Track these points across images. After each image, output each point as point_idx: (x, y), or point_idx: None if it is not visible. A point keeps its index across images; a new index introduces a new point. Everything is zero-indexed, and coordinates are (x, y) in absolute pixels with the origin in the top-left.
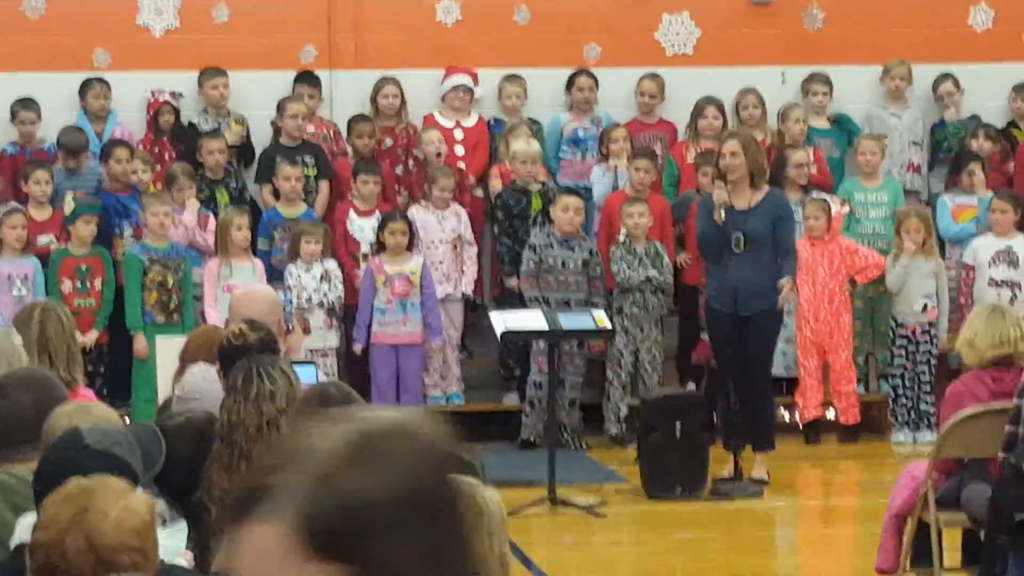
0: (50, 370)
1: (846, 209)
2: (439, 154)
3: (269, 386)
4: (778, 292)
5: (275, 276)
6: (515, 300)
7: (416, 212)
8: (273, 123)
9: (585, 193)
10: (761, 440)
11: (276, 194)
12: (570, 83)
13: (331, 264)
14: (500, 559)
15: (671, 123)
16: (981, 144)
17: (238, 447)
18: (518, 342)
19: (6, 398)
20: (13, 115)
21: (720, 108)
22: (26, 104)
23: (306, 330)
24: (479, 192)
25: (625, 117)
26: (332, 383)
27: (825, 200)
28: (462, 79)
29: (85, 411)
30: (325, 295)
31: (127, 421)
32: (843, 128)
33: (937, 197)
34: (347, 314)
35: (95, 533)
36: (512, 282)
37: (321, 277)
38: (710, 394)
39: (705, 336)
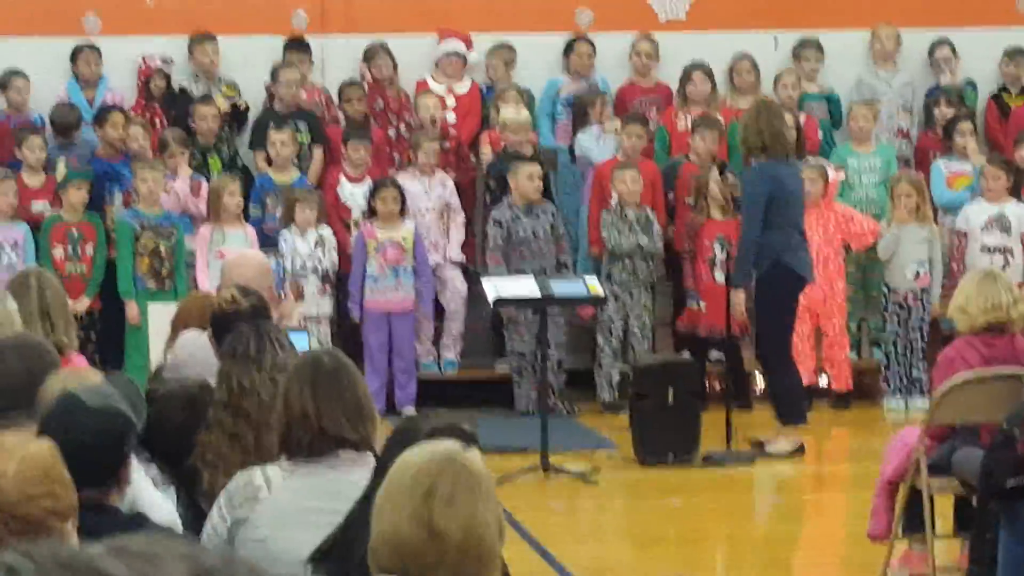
0: (44, 337)
1: (842, 175)
2: (434, 121)
3: (283, 355)
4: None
5: (267, 242)
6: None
7: (403, 180)
8: (267, 88)
9: (569, 156)
10: (779, 411)
11: (270, 161)
12: (569, 48)
13: (325, 231)
14: (499, 524)
15: (667, 85)
16: (943, 111)
17: (245, 415)
18: (510, 309)
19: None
20: (4, 85)
21: (707, 72)
22: (17, 74)
23: (299, 296)
24: (472, 158)
25: (618, 82)
26: (326, 351)
27: (822, 166)
28: (455, 45)
29: (80, 378)
30: (319, 261)
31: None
32: (832, 103)
33: (932, 163)
34: (340, 281)
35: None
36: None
37: (315, 243)
38: (699, 361)
39: (692, 304)
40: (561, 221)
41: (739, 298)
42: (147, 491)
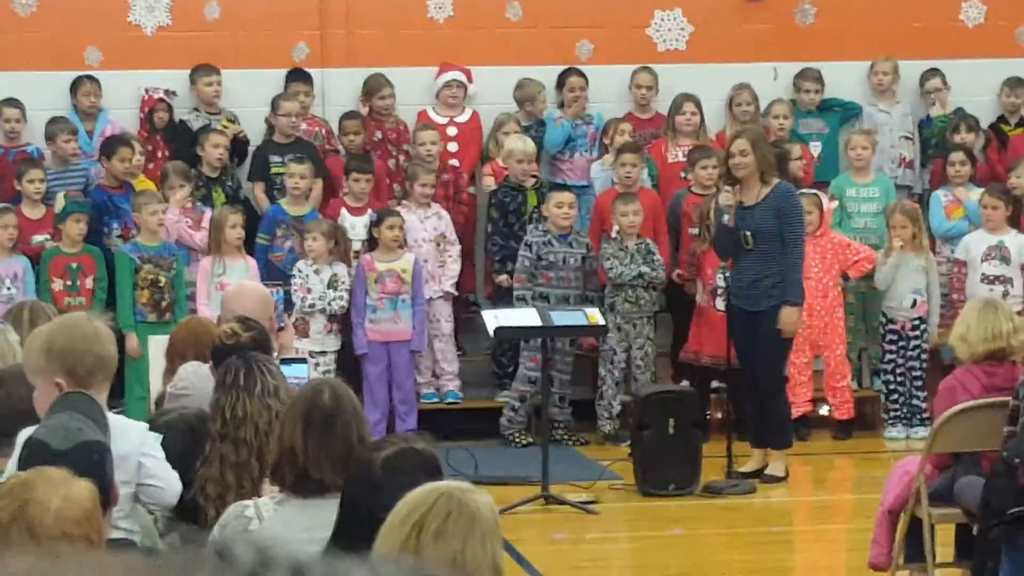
0: None
1: (835, 204)
2: (431, 154)
3: (272, 381)
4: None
5: (273, 273)
6: (508, 298)
7: (399, 213)
8: (267, 120)
9: (577, 190)
10: (776, 437)
11: (268, 192)
12: (560, 82)
13: (340, 268)
14: (493, 566)
15: (664, 116)
16: (964, 136)
17: (246, 443)
18: (511, 339)
19: (1, 389)
20: None
21: (697, 104)
22: (11, 103)
23: (304, 333)
24: (472, 189)
25: (617, 114)
26: (329, 384)
27: (816, 195)
28: (455, 75)
29: None
30: (329, 303)
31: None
32: (835, 110)
33: (930, 193)
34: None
35: (36, 525)
36: (502, 279)
37: (328, 282)
38: (701, 391)
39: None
40: (594, 255)
41: (794, 316)
42: (157, 463)
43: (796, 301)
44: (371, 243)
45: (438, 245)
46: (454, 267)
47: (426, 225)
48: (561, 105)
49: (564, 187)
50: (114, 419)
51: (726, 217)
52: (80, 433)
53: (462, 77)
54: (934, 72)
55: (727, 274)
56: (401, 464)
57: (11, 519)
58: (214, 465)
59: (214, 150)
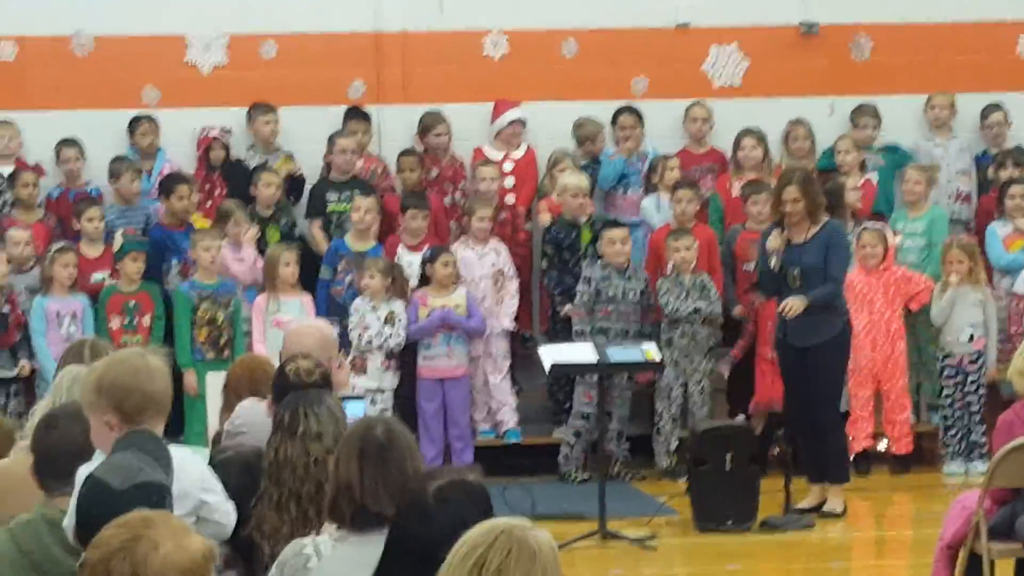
0: None
1: (899, 239)
2: (490, 191)
3: (315, 426)
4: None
5: (335, 307)
6: (565, 333)
7: (457, 249)
8: (324, 158)
9: (631, 227)
10: (834, 472)
11: (326, 229)
12: (614, 119)
13: (397, 306)
14: None
15: (720, 152)
16: (1011, 172)
17: (287, 486)
18: (567, 375)
19: (56, 429)
20: (57, 154)
21: (759, 138)
22: (69, 143)
23: (362, 370)
24: (528, 225)
25: (672, 149)
26: (380, 420)
27: (880, 229)
28: (517, 113)
29: None
30: (386, 340)
31: None
32: (893, 156)
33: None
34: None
35: (141, 562)
36: (567, 308)
37: (385, 319)
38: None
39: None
40: (651, 291)
41: (800, 304)
42: (217, 498)
43: (810, 299)
44: (424, 279)
45: (496, 281)
46: (512, 303)
47: (484, 262)
48: (616, 142)
49: (616, 223)
50: (176, 452)
51: (773, 260)
52: (140, 473)
53: (524, 115)
54: (996, 107)
55: (784, 328)
56: (451, 495)
57: (118, 549)
58: (265, 503)
59: (266, 189)
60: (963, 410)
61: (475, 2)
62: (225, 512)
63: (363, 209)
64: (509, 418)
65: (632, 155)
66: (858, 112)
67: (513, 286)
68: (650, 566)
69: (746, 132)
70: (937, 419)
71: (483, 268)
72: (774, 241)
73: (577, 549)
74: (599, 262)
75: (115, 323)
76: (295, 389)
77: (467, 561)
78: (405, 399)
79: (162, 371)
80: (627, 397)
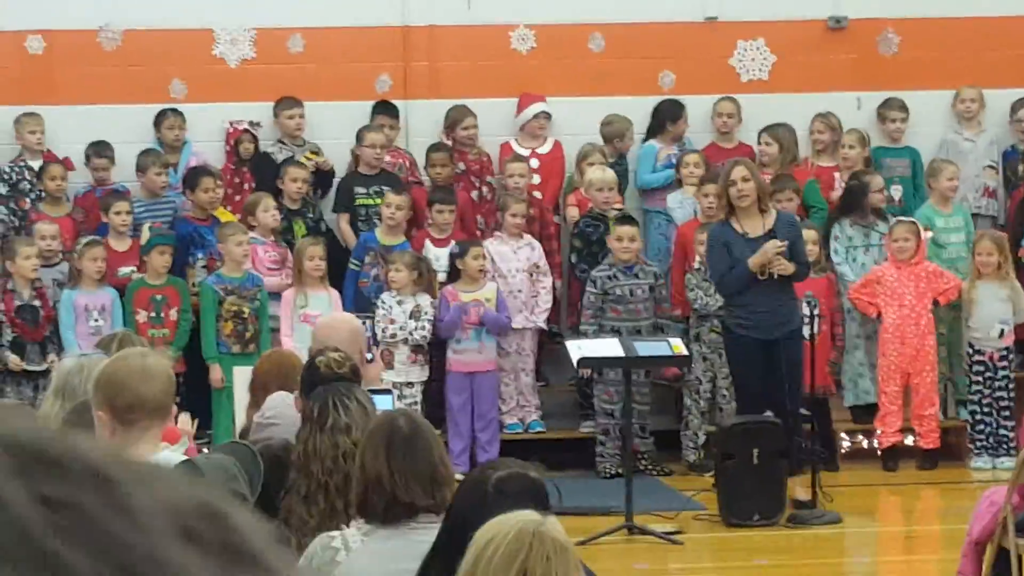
0: None
1: (930, 234)
2: (518, 186)
3: (344, 418)
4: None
5: (362, 301)
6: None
7: (491, 244)
8: (352, 152)
9: (663, 216)
10: (794, 462)
11: (353, 223)
12: (674, 115)
13: (424, 299)
14: None
15: (750, 146)
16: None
17: (315, 478)
18: (592, 370)
19: (84, 421)
20: (87, 157)
21: (775, 136)
22: (100, 149)
23: (389, 364)
24: (557, 219)
25: (700, 144)
26: (402, 412)
27: (914, 222)
28: (542, 106)
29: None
30: (411, 333)
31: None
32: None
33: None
34: (430, 344)
35: None
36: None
37: (411, 313)
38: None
39: None
40: (662, 283)
41: (791, 266)
42: None
43: (795, 269)
44: (452, 274)
45: (531, 276)
46: (547, 299)
47: (519, 256)
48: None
49: (627, 220)
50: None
51: (775, 264)
52: (234, 480)
53: (549, 108)
54: None
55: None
56: (511, 487)
57: None
58: (293, 496)
59: (293, 184)
60: (991, 405)
61: None
62: None
63: (394, 205)
64: (534, 411)
65: (674, 147)
66: (886, 106)
67: (548, 282)
68: (677, 561)
69: (763, 129)
70: (965, 414)
71: (518, 261)
72: (774, 246)
73: (604, 543)
74: (604, 261)
75: (142, 316)
76: (325, 381)
77: (509, 570)
78: (434, 393)
79: (161, 374)
80: (645, 392)
